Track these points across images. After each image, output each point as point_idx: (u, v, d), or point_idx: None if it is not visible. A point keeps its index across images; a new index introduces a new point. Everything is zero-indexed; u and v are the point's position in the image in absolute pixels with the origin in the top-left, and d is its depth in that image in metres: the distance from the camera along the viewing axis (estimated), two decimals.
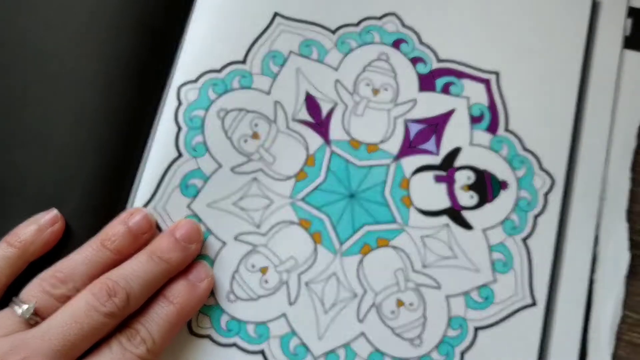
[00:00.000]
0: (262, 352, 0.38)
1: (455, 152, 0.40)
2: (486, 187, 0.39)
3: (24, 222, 0.37)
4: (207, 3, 0.41)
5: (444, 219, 0.39)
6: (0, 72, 0.39)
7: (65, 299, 0.35)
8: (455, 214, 0.39)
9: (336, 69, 0.41)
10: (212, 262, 0.38)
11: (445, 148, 0.40)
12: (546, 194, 0.39)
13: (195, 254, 0.38)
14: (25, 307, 0.34)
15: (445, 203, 0.39)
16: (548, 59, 0.41)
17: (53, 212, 0.37)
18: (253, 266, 0.38)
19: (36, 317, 0.34)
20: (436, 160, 0.40)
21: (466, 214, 0.39)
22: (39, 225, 0.37)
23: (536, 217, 0.39)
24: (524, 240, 0.39)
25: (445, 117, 0.40)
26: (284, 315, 0.38)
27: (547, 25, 0.41)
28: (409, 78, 0.41)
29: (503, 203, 0.39)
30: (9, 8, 0.40)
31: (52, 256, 0.37)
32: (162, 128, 0.39)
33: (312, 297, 0.38)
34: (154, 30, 0.40)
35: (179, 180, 0.39)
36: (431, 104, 0.40)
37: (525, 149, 0.40)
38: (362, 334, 0.38)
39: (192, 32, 0.40)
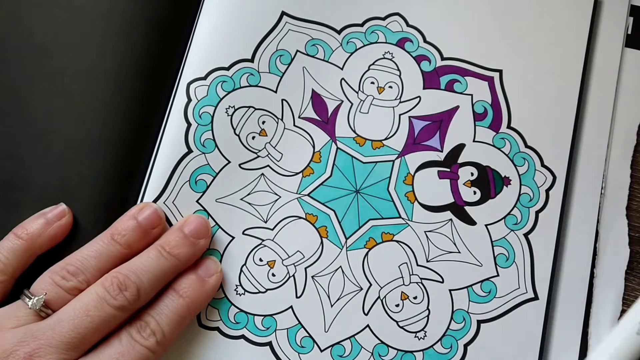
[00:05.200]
0: (269, 344, 0.38)
1: (458, 149, 0.40)
2: (489, 183, 0.40)
3: (32, 216, 0.37)
4: (215, 1, 0.41)
5: (448, 214, 0.40)
6: (7, 68, 0.40)
7: (75, 291, 0.35)
8: (458, 209, 0.40)
9: (342, 68, 0.41)
10: (220, 256, 0.39)
11: (449, 144, 0.40)
12: (547, 190, 0.40)
13: (203, 249, 0.38)
14: (35, 299, 0.34)
15: (449, 198, 0.40)
16: (550, 57, 0.41)
17: (61, 207, 0.38)
18: (261, 260, 0.39)
19: (47, 310, 0.34)
20: (440, 156, 0.40)
21: (469, 210, 0.40)
22: (47, 219, 0.37)
23: (538, 212, 0.40)
24: (526, 235, 0.39)
25: (449, 114, 0.41)
26: (291, 308, 0.39)
27: (549, 23, 0.42)
28: (413, 76, 0.41)
29: (505, 199, 0.40)
30: (16, 5, 0.40)
31: (62, 250, 0.37)
32: (172, 124, 0.40)
33: (319, 290, 0.39)
34: (163, 27, 0.41)
35: (188, 175, 0.39)
36: (435, 101, 0.41)
37: (527, 146, 0.40)
38: (367, 326, 0.39)
39: (201, 30, 0.41)
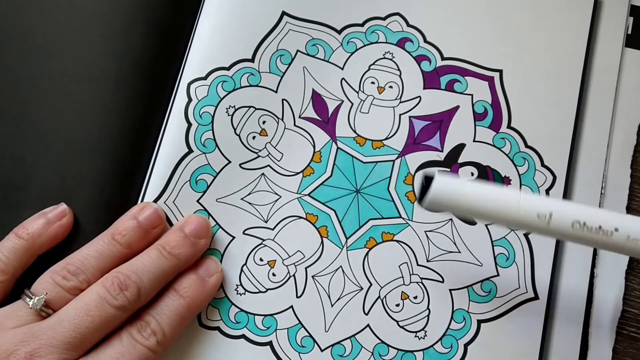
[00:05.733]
0: (269, 344, 0.38)
1: (459, 149, 0.40)
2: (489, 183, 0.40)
3: (33, 216, 0.37)
4: (216, 1, 0.41)
5: (448, 214, 0.40)
6: (8, 68, 0.40)
7: (76, 291, 0.35)
8: None
9: (342, 68, 0.41)
10: (221, 256, 0.39)
11: (449, 144, 0.40)
12: (547, 190, 0.40)
13: (204, 249, 0.38)
14: (36, 298, 0.34)
15: None
16: (550, 57, 0.41)
17: (62, 207, 0.38)
18: (261, 260, 0.39)
19: (47, 309, 0.34)
20: (440, 156, 0.40)
21: None
22: (47, 219, 0.37)
23: None
24: (526, 235, 0.39)
25: (450, 113, 0.41)
26: (291, 307, 0.39)
27: (549, 23, 0.42)
28: (413, 76, 0.41)
29: None
30: (16, 5, 0.40)
31: (63, 250, 0.37)
32: (172, 124, 0.40)
33: (319, 290, 0.39)
34: (164, 27, 0.41)
35: (189, 175, 0.39)
36: (435, 101, 0.41)
37: (528, 146, 0.40)
38: (368, 326, 0.39)
39: (202, 30, 0.41)
